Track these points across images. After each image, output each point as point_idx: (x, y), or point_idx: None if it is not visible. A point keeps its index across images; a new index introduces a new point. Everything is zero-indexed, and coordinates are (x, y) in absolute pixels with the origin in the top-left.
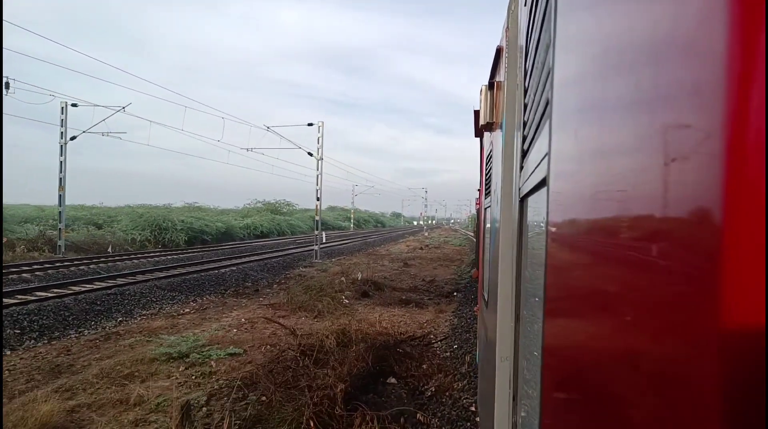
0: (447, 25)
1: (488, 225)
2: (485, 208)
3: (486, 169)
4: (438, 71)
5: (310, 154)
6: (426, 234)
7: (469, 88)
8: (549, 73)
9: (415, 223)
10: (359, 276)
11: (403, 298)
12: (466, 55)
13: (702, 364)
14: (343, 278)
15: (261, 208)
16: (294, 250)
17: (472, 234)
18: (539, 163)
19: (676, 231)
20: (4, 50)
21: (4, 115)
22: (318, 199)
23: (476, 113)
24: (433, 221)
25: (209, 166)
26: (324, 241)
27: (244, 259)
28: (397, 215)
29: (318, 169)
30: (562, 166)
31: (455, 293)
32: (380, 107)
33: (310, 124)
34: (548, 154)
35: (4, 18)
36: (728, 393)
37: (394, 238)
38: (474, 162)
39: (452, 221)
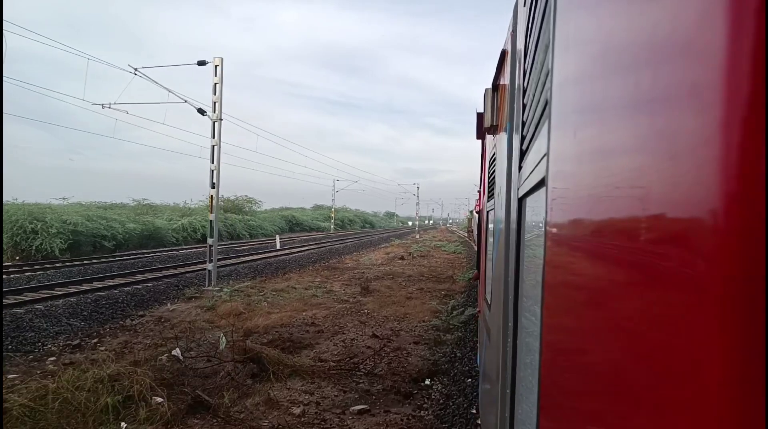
0: (447, 26)
1: (491, 227)
2: (488, 211)
3: (489, 172)
4: (438, 71)
5: (201, 111)
6: (417, 236)
7: (469, 88)
8: (548, 74)
9: (410, 223)
10: (222, 342)
11: (295, 416)
12: (466, 55)
13: (702, 365)
14: (178, 350)
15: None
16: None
17: (466, 234)
18: (538, 164)
19: (674, 231)
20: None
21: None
22: (214, 185)
23: (479, 115)
24: (430, 221)
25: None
26: (278, 247)
27: (71, 289)
28: (391, 215)
29: (214, 136)
30: (561, 167)
31: (429, 381)
32: (380, 107)
33: (201, 63)
34: (547, 154)
35: (4, 18)
36: (729, 393)
37: (375, 242)
38: (473, 161)
39: (450, 221)
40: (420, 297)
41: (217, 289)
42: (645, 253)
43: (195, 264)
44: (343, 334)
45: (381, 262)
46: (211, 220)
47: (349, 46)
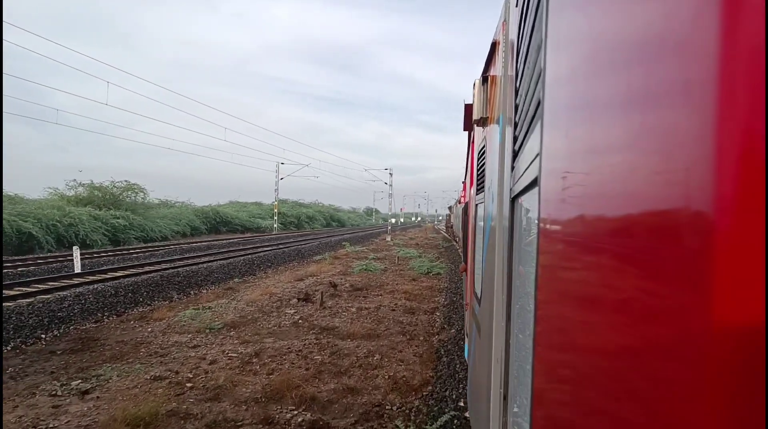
0: (438, 23)
1: (481, 222)
2: (476, 205)
3: (478, 165)
4: (429, 69)
5: None
6: (388, 238)
7: (460, 85)
8: (540, 73)
9: (392, 220)
10: None
11: None
12: (457, 52)
13: (697, 364)
14: None
15: (80, 195)
16: None
17: (445, 230)
18: (530, 163)
19: (667, 230)
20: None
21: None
22: None
23: (467, 107)
24: (417, 219)
25: (209, 164)
26: (77, 270)
27: None
28: (370, 212)
29: None
30: (554, 166)
31: None
32: (372, 104)
33: None
34: (539, 154)
35: (4, 18)
36: (724, 393)
37: (312, 250)
38: (465, 158)
39: (440, 217)
40: None
41: None
42: (638, 252)
43: None
44: None
45: (251, 310)
46: None
47: (340, 43)
